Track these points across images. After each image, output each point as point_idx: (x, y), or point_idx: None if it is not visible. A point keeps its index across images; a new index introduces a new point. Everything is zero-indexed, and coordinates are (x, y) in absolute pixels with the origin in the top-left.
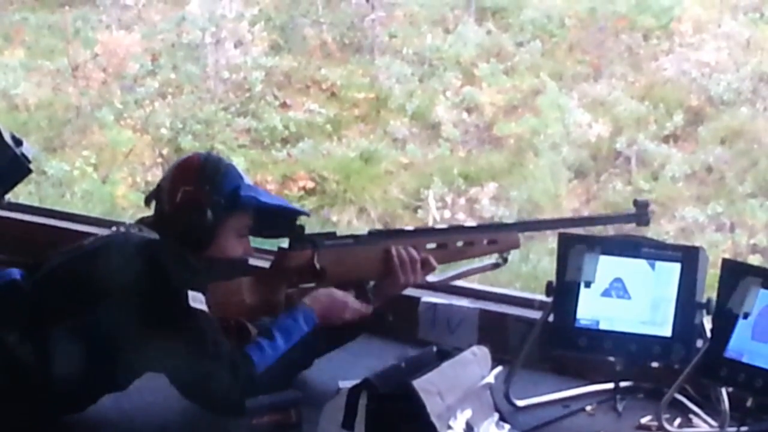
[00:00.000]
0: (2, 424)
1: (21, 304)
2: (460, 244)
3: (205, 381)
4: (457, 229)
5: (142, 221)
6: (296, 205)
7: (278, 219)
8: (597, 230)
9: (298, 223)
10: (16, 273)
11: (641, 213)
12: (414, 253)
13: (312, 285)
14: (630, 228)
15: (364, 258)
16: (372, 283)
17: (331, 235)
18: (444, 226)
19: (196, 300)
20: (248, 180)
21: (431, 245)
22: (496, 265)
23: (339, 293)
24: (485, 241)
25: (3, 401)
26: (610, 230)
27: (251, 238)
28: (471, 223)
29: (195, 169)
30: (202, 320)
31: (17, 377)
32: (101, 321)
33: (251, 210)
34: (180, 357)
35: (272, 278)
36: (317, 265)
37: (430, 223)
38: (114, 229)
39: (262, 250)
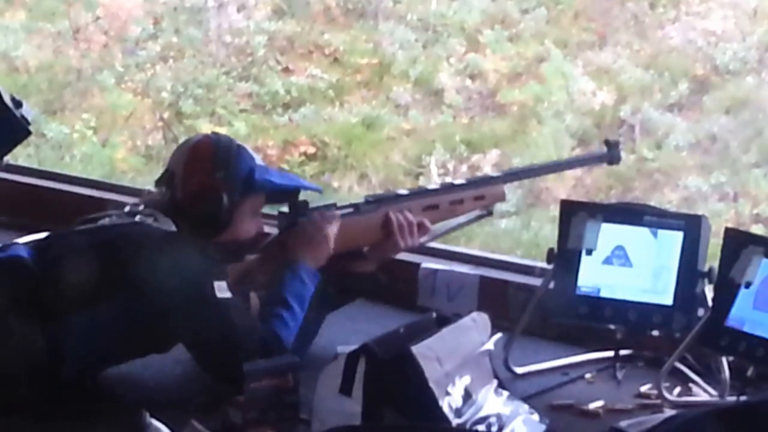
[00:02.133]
0: (5, 407)
1: (28, 286)
2: (449, 203)
3: (239, 368)
4: (447, 189)
5: (151, 204)
6: (309, 183)
7: (288, 196)
8: (599, 197)
9: (299, 196)
10: (22, 250)
11: (612, 152)
12: (411, 217)
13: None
14: (633, 196)
15: (365, 225)
16: (367, 247)
17: (332, 206)
18: (434, 186)
19: (221, 289)
20: (260, 160)
21: (424, 207)
22: (480, 217)
23: (313, 232)
24: (473, 197)
25: (6, 380)
26: (613, 197)
27: None
28: (459, 180)
29: (208, 156)
30: (232, 310)
31: (22, 359)
32: (121, 312)
33: (265, 192)
34: (212, 349)
35: (278, 254)
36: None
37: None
38: (127, 209)
39: (267, 214)
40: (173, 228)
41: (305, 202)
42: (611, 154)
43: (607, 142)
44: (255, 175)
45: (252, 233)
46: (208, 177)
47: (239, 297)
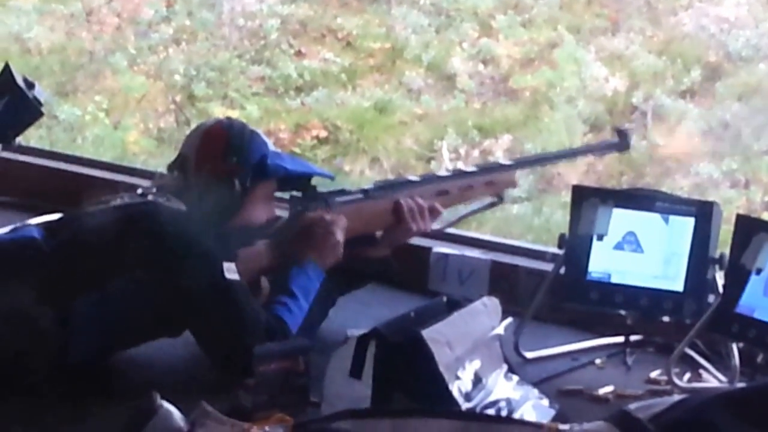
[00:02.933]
0: (13, 381)
1: (39, 266)
2: (460, 188)
3: (244, 351)
4: (458, 175)
5: (164, 187)
6: (321, 169)
7: (300, 182)
8: (611, 183)
9: (311, 183)
10: (34, 231)
11: (623, 140)
12: (421, 201)
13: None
14: (645, 182)
15: (375, 211)
16: (379, 232)
17: (342, 191)
18: (446, 172)
19: (230, 271)
20: (272, 146)
21: (435, 192)
22: (493, 204)
23: (323, 234)
24: (483, 183)
25: (16, 360)
26: (625, 183)
27: None
28: (470, 167)
29: (221, 141)
30: (239, 292)
31: (32, 339)
32: (129, 292)
33: (277, 178)
34: (217, 330)
35: (288, 238)
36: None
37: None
38: (139, 191)
39: (277, 198)
40: (183, 208)
41: (314, 188)
42: (622, 143)
43: (618, 131)
44: (267, 160)
45: (263, 218)
46: (221, 162)
47: (246, 280)
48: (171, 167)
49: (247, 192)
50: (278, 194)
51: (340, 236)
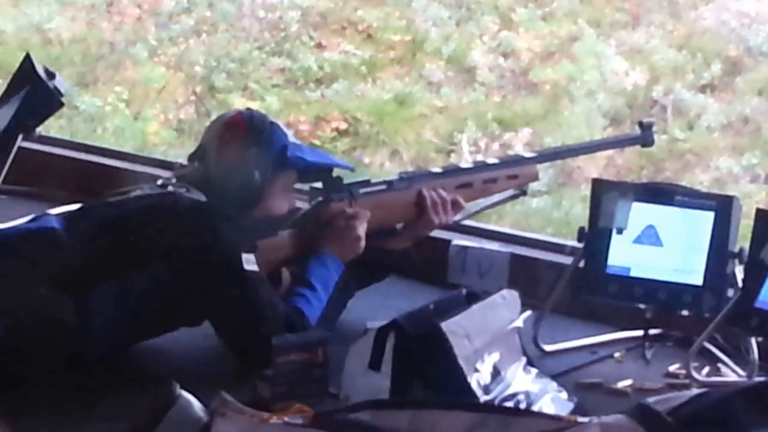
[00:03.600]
0: (33, 370)
1: (58, 256)
2: (482, 181)
3: (261, 342)
4: (480, 168)
5: (184, 178)
6: (342, 161)
7: (321, 173)
8: (631, 177)
9: (333, 173)
10: (54, 221)
11: (646, 134)
12: (444, 194)
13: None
14: (664, 176)
15: (398, 202)
16: (401, 224)
17: (366, 183)
18: (468, 164)
19: (249, 262)
20: (293, 137)
21: (458, 185)
22: (515, 196)
23: (345, 228)
24: (506, 176)
25: (36, 350)
26: (644, 177)
27: None
28: (492, 159)
29: (241, 132)
30: (258, 283)
31: (51, 329)
32: (149, 283)
33: (297, 169)
34: (235, 321)
35: (311, 229)
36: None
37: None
38: (159, 182)
39: (299, 190)
40: (203, 199)
41: (339, 178)
42: (645, 136)
43: (641, 124)
44: (288, 152)
45: (284, 210)
46: (241, 153)
47: (267, 272)
48: (191, 158)
49: (267, 183)
50: (300, 186)
51: (361, 231)
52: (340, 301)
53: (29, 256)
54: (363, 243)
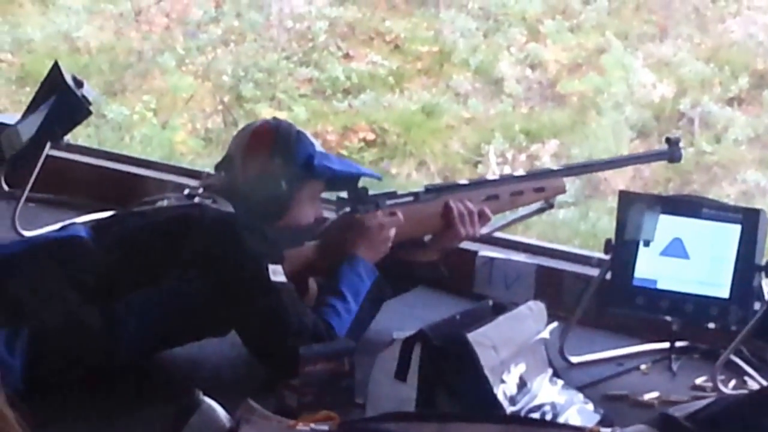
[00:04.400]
0: (61, 377)
1: (86, 265)
2: (509, 194)
3: (289, 354)
4: (507, 180)
5: (211, 188)
6: (369, 170)
7: (348, 183)
8: (658, 190)
9: (360, 184)
10: (82, 230)
11: (673, 150)
12: (471, 206)
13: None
14: (691, 189)
15: (425, 214)
16: (428, 236)
17: (392, 194)
18: (495, 176)
19: (277, 273)
20: (319, 146)
21: (485, 197)
22: (542, 210)
23: (375, 231)
24: (533, 189)
25: (63, 358)
26: (671, 190)
27: None
28: (519, 172)
29: (268, 141)
30: (285, 294)
31: (78, 337)
32: (176, 294)
33: (324, 178)
34: (262, 333)
35: (338, 241)
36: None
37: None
38: (186, 192)
39: (325, 200)
40: (230, 209)
41: (365, 189)
42: (672, 152)
43: (668, 140)
44: (314, 161)
45: (311, 219)
46: (268, 162)
47: (293, 283)
48: (218, 167)
49: (294, 192)
50: (327, 195)
51: (391, 232)
52: (372, 307)
53: (57, 264)
54: (390, 244)
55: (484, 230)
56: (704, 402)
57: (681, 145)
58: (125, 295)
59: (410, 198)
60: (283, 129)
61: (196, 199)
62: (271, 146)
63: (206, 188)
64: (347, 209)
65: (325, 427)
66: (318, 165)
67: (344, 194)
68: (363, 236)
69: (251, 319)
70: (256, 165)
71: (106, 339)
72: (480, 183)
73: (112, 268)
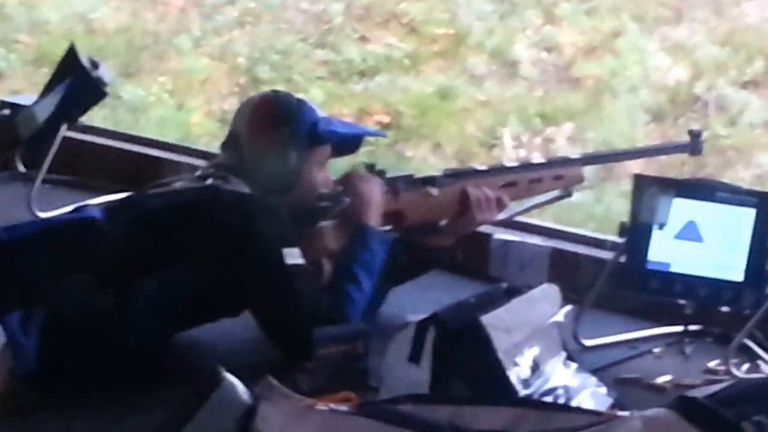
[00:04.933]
0: (75, 359)
1: (100, 247)
2: (528, 181)
3: (304, 338)
4: (526, 167)
5: (221, 166)
6: (374, 130)
7: (354, 145)
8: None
9: (377, 167)
10: (95, 212)
11: (695, 142)
12: (489, 192)
13: (391, 227)
14: (706, 172)
15: (442, 199)
16: (444, 221)
17: (409, 178)
18: (513, 163)
19: (292, 255)
20: (321, 112)
21: (503, 184)
22: (560, 198)
23: (375, 194)
24: (552, 177)
25: (77, 339)
26: (686, 173)
27: None
28: (538, 159)
29: (270, 113)
30: (300, 278)
31: (92, 318)
32: (191, 278)
33: (330, 142)
34: (277, 316)
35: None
36: (397, 208)
37: (505, 162)
38: (198, 173)
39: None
40: (246, 189)
41: (383, 172)
42: (693, 144)
43: (690, 132)
44: (319, 127)
45: (321, 185)
46: (272, 133)
47: (309, 264)
48: (224, 145)
49: (302, 161)
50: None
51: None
52: (388, 279)
53: (70, 246)
54: (378, 202)
55: (501, 216)
56: (720, 386)
57: (702, 136)
58: (140, 277)
59: (427, 182)
60: (283, 99)
61: (209, 180)
62: (275, 118)
63: (217, 168)
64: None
65: (344, 408)
66: (323, 130)
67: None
68: (361, 200)
69: (267, 302)
70: (262, 138)
71: (120, 321)
72: (499, 169)
73: (127, 250)
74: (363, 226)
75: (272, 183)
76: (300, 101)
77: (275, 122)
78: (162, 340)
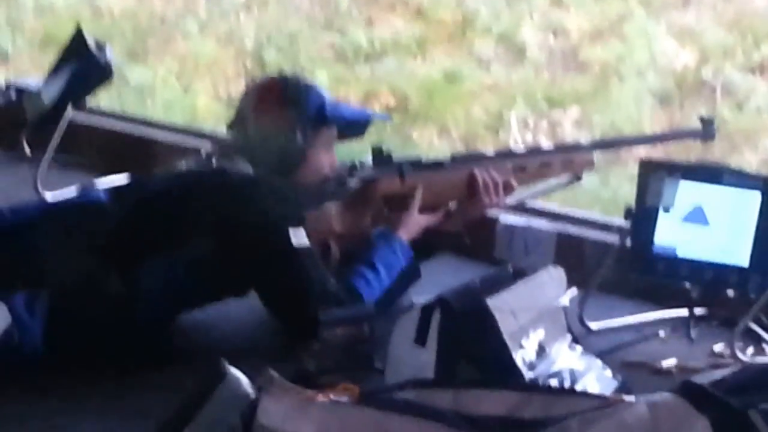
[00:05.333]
0: (81, 341)
1: (105, 229)
2: (537, 166)
3: (311, 316)
4: (535, 152)
5: (226, 148)
6: (379, 113)
7: (363, 130)
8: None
9: (384, 149)
10: (100, 193)
11: (707, 129)
12: (496, 176)
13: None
14: (712, 156)
15: (449, 182)
16: (453, 205)
17: (416, 161)
18: (522, 148)
19: (298, 236)
20: (329, 95)
21: (512, 168)
22: (569, 183)
23: (423, 219)
24: (561, 162)
25: (83, 321)
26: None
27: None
28: (548, 144)
29: (277, 93)
30: (306, 259)
31: (98, 300)
32: (196, 259)
33: (337, 124)
34: (284, 297)
35: (360, 205)
36: (404, 191)
37: (512, 146)
38: (203, 154)
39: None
40: (250, 171)
41: (389, 155)
42: (706, 131)
43: (702, 119)
44: (325, 108)
45: (327, 167)
46: (279, 114)
47: (315, 243)
48: (230, 126)
49: (309, 142)
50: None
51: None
52: (402, 285)
53: (75, 228)
54: (421, 224)
55: (509, 200)
56: (727, 371)
57: (715, 123)
58: (145, 258)
59: (435, 165)
60: (291, 80)
61: (214, 162)
62: (281, 98)
63: (222, 149)
64: (372, 175)
65: (345, 399)
66: (329, 113)
67: (368, 160)
68: (403, 220)
69: (273, 282)
70: (269, 118)
71: (126, 302)
72: (507, 154)
73: (132, 231)
74: (392, 232)
75: (278, 163)
76: (309, 84)
77: (282, 103)
78: (168, 320)
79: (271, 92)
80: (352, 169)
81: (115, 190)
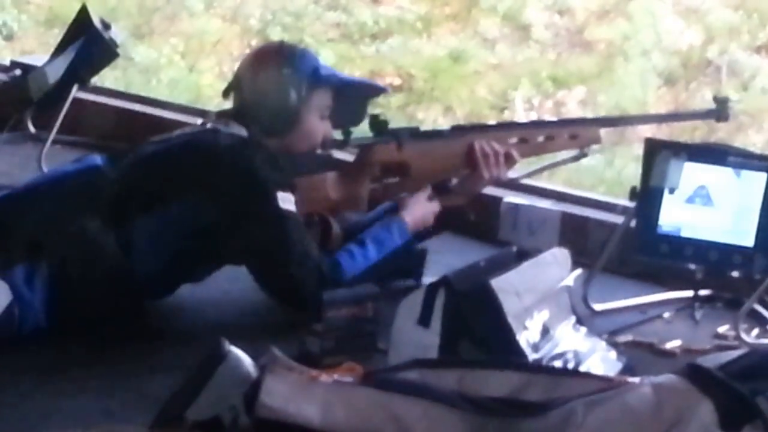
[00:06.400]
0: (84, 310)
1: (103, 192)
2: (541, 138)
3: (290, 283)
4: (538, 124)
5: (224, 114)
6: (376, 83)
7: (359, 100)
8: (684, 137)
9: (381, 117)
10: (97, 159)
11: (721, 109)
12: (497, 146)
13: (396, 180)
14: (717, 137)
15: (448, 152)
16: (455, 180)
17: (415, 130)
18: (526, 121)
19: (285, 201)
20: (324, 63)
21: (513, 140)
22: (576, 158)
23: (429, 205)
24: (566, 136)
25: (85, 287)
26: (697, 138)
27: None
28: (552, 119)
29: (273, 55)
30: (291, 223)
31: (99, 264)
32: (188, 216)
33: (332, 88)
34: (266, 258)
35: (356, 173)
36: (401, 160)
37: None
38: (201, 122)
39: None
40: (244, 133)
41: (385, 122)
42: (719, 111)
43: (715, 99)
44: (320, 69)
45: (321, 134)
46: (275, 73)
47: (309, 209)
48: (227, 90)
49: (303, 101)
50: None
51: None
52: (396, 264)
53: (74, 194)
54: (432, 221)
55: (512, 174)
56: (734, 353)
57: (729, 103)
58: (140, 216)
59: (434, 135)
60: (286, 45)
61: (208, 124)
62: (277, 60)
63: (218, 115)
64: (369, 143)
65: (349, 379)
66: (324, 74)
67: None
68: (418, 216)
69: (256, 244)
70: (264, 79)
71: (124, 264)
72: (509, 125)
73: (127, 190)
74: (395, 213)
75: (271, 122)
76: (304, 49)
77: (278, 63)
78: (168, 286)
79: (267, 54)
80: (347, 135)
81: (112, 155)
